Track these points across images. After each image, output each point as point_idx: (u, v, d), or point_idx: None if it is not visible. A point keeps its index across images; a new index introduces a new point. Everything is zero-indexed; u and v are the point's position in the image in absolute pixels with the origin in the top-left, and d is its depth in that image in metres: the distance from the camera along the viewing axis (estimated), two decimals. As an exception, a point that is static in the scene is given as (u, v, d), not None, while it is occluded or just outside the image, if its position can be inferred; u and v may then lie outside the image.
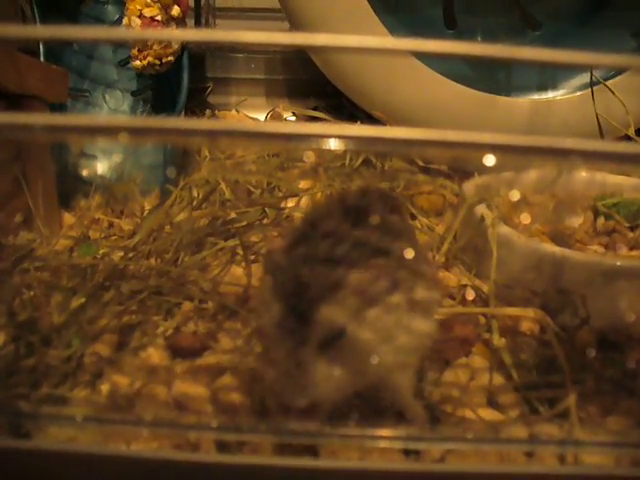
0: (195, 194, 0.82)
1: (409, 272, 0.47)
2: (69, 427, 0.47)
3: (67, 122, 0.37)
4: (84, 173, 0.94)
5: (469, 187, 0.78)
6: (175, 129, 0.37)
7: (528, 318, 0.61)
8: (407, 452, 0.49)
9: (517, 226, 0.75)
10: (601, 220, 0.80)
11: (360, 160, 0.91)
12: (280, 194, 0.85)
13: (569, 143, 0.32)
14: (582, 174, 0.83)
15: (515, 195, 0.75)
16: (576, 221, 0.81)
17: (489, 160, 0.33)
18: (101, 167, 0.95)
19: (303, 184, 0.86)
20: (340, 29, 0.91)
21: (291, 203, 0.81)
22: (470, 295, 0.65)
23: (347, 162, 0.91)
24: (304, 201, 0.81)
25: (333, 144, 0.35)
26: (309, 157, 0.81)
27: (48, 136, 0.47)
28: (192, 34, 0.40)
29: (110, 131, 0.36)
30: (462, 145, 0.32)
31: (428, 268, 0.52)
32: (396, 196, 0.60)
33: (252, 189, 0.85)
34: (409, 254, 0.47)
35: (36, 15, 0.95)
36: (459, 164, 0.87)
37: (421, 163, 0.91)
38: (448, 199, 0.85)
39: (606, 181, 0.83)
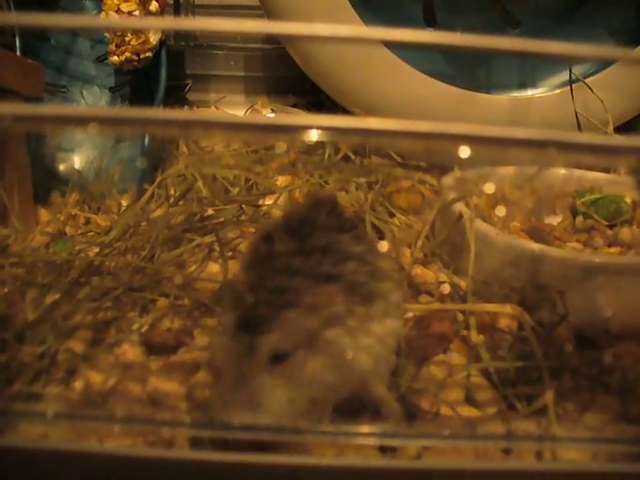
0: (172, 190, 0.81)
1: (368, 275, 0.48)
2: (41, 424, 0.46)
3: (37, 112, 0.37)
4: (61, 168, 0.94)
5: (448, 182, 0.77)
6: (151, 120, 0.36)
7: (506, 315, 0.61)
8: (383, 449, 0.48)
9: (495, 223, 0.75)
10: (580, 218, 0.80)
11: (339, 156, 0.90)
12: (258, 191, 0.84)
13: (542, 134, 0.32)
14: (561, 171, 0.83)
15: (490, 188, 0.75)
16: (555, 219, 0.81)
17: (464, 152, 0.33)
18: (78, 161, 0.94)
19: (281, 180, 0.85)
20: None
21: (269, 200, 0.81)
22: (445, 289, 0.65)
23: (325, 158, 0.90)
24: (282, 198, 0.81)
25: (308, 135, 0.35)
26: (281, 147, 0.81)
27: (19, 127, 0.46)
28: (166, 23, 0.40)
29: (82, 121, 0.36)
30: (436, 136, 0.32)
31: (388, 266, 0.52)
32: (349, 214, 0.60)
33: (229, 187, 0.84)
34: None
35: (12, 8, 0.94)
36: (437, 159, 0.87)
37: (399, 159, 0.91)
38: (427, 196, 0.85)
39: (584, 178, 0.83)
